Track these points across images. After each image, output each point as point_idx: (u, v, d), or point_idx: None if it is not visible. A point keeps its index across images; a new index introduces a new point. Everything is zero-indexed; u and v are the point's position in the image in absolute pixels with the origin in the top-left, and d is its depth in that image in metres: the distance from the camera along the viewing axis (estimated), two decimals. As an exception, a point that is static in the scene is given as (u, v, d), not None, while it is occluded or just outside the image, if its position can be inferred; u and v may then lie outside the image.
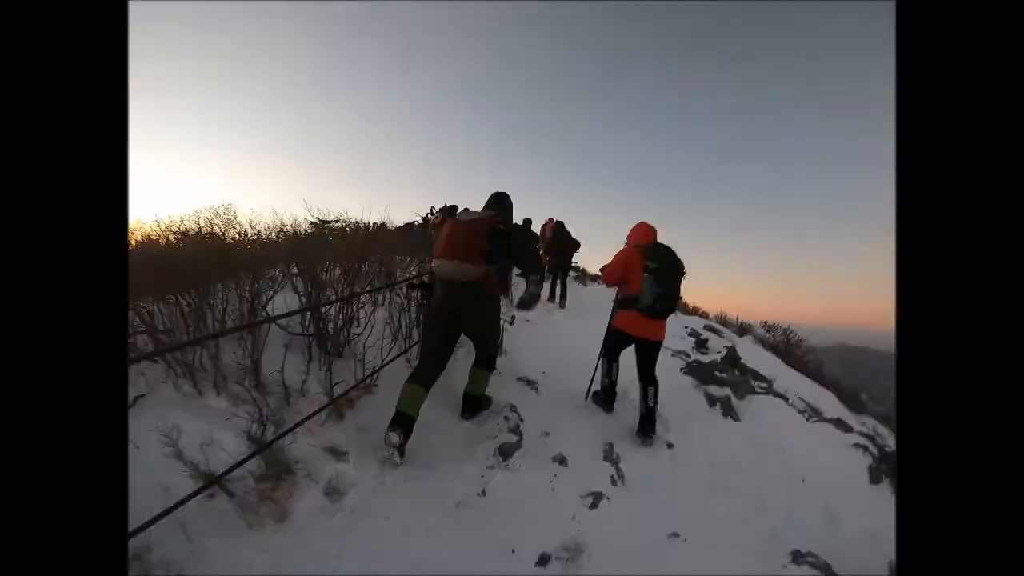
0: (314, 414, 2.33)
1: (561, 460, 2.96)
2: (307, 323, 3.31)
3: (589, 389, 4.16)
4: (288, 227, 5.58)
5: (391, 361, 3.17)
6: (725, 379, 5.06)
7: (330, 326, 3.37)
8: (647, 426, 3.61)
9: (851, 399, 9.48)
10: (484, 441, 2.98)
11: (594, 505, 2.62)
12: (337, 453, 2.45)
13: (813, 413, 5.82)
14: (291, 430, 2.17)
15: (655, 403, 3.64)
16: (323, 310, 3.36)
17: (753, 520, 2.91)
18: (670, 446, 3.59)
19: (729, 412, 4.43)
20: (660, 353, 3.79)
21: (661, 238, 3.72)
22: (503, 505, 2.46)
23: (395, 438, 2.51)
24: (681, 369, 5.30)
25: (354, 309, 3.65)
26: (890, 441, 7.94)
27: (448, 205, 11.01)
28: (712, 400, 4.54)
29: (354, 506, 2.15)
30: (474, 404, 3.25)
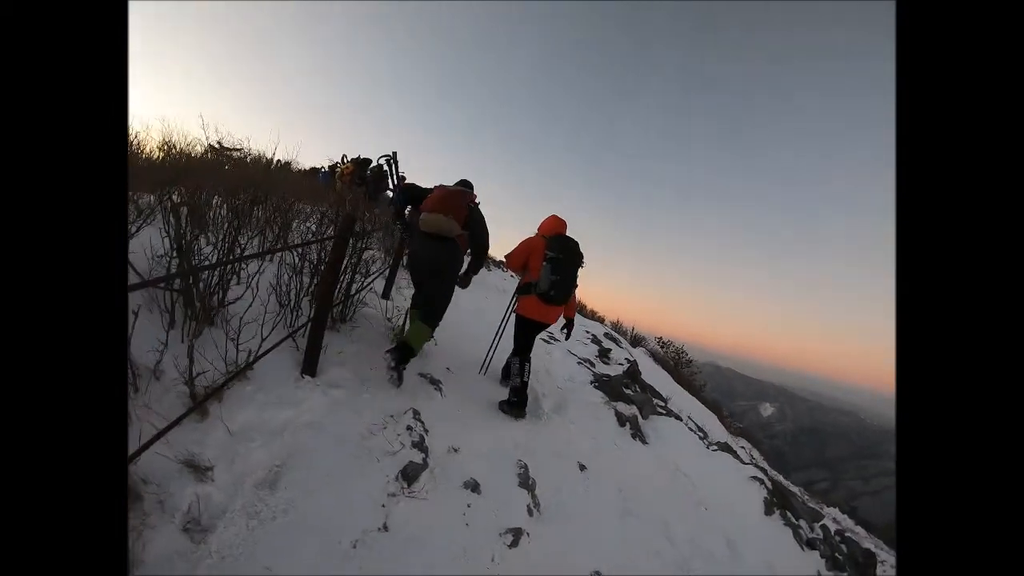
0: (175, 423, 1.82)
1: (474, 486, 2.66)
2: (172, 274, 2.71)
3: (484, 367, 4.56)
4: (178, 146, 4.78)
5: (274, 348, 2.66)
6: (632, 397, 5.08)
7: (201, 284, 2.77)
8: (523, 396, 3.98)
9: (724, 419, 10.25)
10: (382, 457, 2.59)
11: (514, 543, 2.37)
12: (198, 469, 1.94)
13: (702, 435, 6.08)
14: (148, 445, 1.65)
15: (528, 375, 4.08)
16: (195, 262, 2.79)
17: (664, 551, 2.98)
18: (583, 468, 3.50)
19: (638, 433, 4.43)
20: (567, 357, 4.70)
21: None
22: (411, 544, 2.11)
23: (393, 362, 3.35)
24: (591, 383, 5.25)
25: (235, 267, 3.09)
26: (765, 465, 8.60)
27: (361, 157, 10.56)
28: (622, 420, 4.52)
29: (223, 548, 1.68)
30: (407, 352, 3.44)
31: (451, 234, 3.45)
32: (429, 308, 3.63)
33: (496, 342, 4.59)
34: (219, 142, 5.64)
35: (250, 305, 2.84)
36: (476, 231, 3.69)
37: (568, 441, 3.81)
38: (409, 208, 3.96)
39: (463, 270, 3.87)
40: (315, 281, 3.49)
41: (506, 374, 4.38)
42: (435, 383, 3.71)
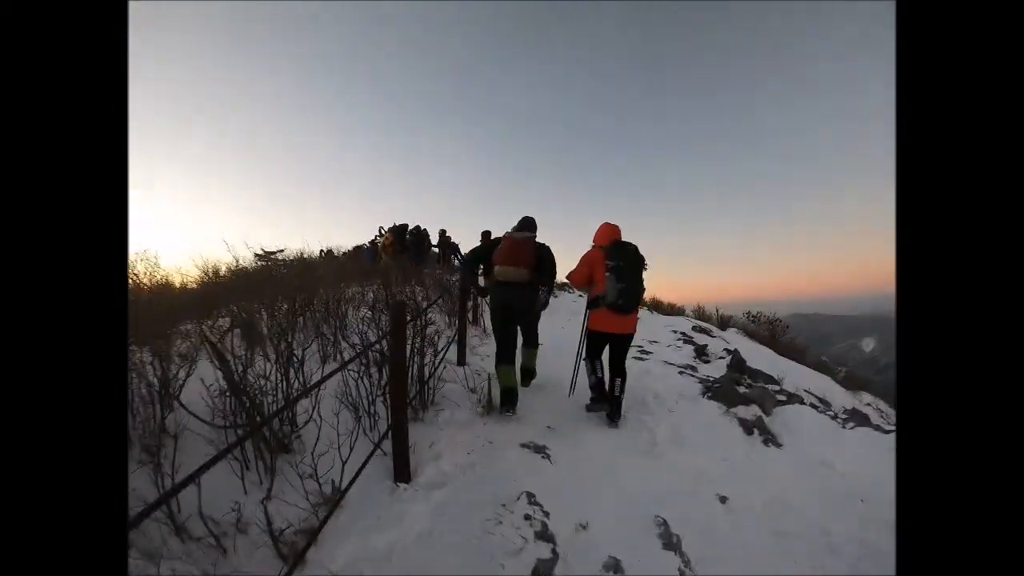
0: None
1: (615, 567, 2.29)
2: (232, 409, 2.53)
3: (571, 388, 4.62)
4: (223, 267, 4.95)
5: (359, 472, 2.39)
6: (748, 395, 4.59)
7: (267, 408, 2.57)
8: (615, 413, 4.03)
9: (838, 377, 9.38)
10: (506, 559, 2.26)
11: (680, 630, 1.98)
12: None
13: (830, 410, 5.48)
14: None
15: (622, 392, 4.07)
16: (255, 390, 2.59)
17: (829, 564, 2.57)
18: (723, 500, 3.06)
19: (769, 438, 3.94)
20: (666, 370, 4.62)
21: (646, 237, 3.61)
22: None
23: (513, 411, 3.85)
24: (702, 394, 4.81)
25: (297, 384, 2.87)
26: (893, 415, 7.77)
27: (397, 225, 10.81)
28: (747, 426, 4.06)
29: None
30: (528, 374, 4.52)
31: (523, 280, 3.95)
32: (527, 338, 4.40)
33: (579, 363, 4.60)
34: (263, 249, 5.68)
35: (318, 435, 2.59)
36: (546, 268, 4.10)
37: (699, 473, 3.37)
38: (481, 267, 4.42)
39: (539, 301, 4.17)
40: (384, 373, 3.24)
41: (608, 410, 4.10)
42: (540, 450, 3.37)
